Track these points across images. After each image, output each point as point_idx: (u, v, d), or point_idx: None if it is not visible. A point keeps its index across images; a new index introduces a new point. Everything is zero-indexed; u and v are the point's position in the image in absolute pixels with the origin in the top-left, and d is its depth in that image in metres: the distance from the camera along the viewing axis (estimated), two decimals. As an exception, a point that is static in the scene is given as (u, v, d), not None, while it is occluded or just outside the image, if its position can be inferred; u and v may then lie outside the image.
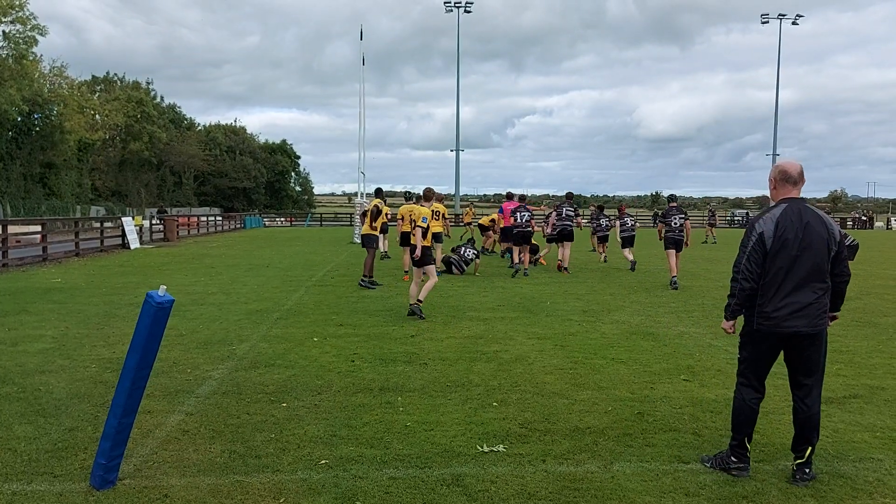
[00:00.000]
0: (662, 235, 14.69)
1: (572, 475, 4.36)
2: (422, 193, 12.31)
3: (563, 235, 17.19)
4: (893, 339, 8.97)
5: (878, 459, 4.68)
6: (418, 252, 10.02)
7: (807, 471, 4.37)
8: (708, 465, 4.50)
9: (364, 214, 14.20)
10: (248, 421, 5.37)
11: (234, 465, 4.48)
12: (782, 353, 4.43)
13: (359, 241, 31.08)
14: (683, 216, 14.66)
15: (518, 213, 16.46)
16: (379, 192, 15.92)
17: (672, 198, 15.37)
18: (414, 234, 10.36)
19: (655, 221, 18.68)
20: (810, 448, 4.37)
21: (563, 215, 17.33)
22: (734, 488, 4.18)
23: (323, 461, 4.56)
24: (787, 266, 4.22)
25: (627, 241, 18.72)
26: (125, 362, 4.04)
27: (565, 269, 17.14)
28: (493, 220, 22.70)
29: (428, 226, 10.15)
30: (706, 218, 34.16)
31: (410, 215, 13.14)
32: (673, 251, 14.44)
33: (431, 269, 10.25)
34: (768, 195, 4.63)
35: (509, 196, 19.10)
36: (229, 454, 4.67)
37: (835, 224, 4.33)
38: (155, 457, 4.62)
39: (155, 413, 5.53)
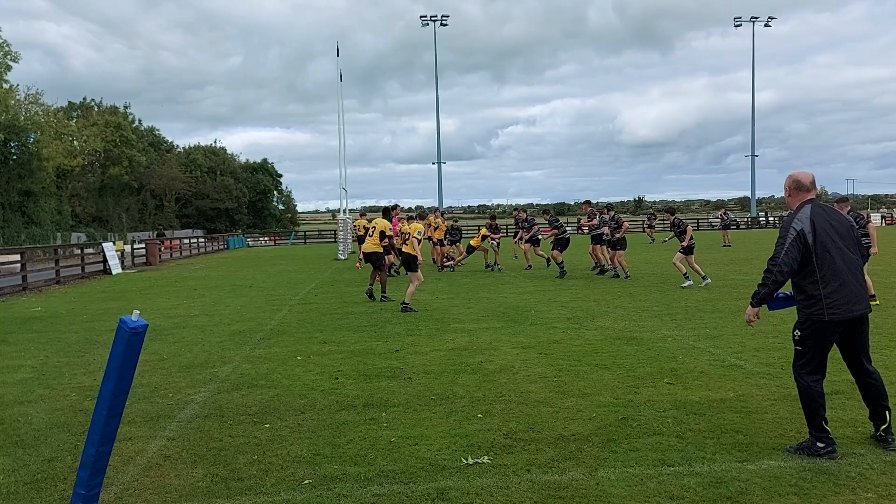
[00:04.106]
0: (585, 232, 18.79)
1: (557, 483, 4.35)
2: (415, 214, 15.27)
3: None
4: (872, 334, 9.01)
5: (860, 454, 4.70)
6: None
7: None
8: (793, 452, 4.73)
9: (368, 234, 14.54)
10: (230, 443, 5.32)
11: (216, 489, 4.44)
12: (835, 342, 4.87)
13: (343, 257, 31.37)
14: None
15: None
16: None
17: (589, 202, 20.00)
18: (408, 244, 12.60)
19: (580, 225, 23.11)
20: (888, 411, 4.80)
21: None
22: (718, 490, 4.19)
23: (307, 481, 4.52)
24: (838, 256, 4.66)
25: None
26: (100, 390, 3.99)
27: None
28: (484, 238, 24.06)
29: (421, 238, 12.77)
30: (645, 221, 37.68)
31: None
32: (597, 246, 18.47)
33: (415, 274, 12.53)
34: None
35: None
36: (212, 478, 4.62)
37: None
38: (136, 484, 4.56)
39: (136, 439, 5.47)
